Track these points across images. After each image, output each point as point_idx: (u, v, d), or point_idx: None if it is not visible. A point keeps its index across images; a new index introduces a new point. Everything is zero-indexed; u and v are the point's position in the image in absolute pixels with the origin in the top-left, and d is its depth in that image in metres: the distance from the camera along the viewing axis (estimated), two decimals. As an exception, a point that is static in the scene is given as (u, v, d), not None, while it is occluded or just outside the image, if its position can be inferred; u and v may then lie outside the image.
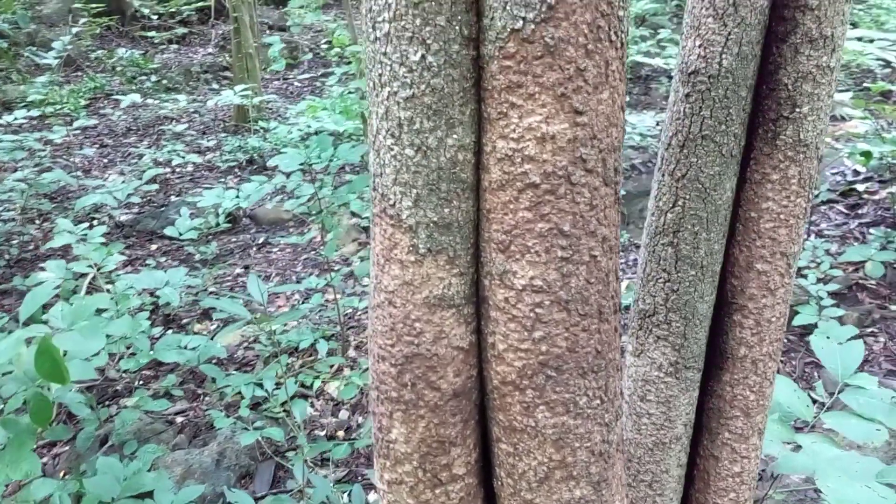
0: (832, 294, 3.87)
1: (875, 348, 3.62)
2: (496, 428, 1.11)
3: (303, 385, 4.00)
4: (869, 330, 3.72)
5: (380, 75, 0.95)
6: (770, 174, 1.41)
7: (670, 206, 1.46)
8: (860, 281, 4.03)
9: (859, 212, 4.62)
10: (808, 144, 1.38)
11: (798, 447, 2.05)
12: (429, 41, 0.91)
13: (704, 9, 1.35)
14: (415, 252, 1.00)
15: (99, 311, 3.57)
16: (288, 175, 3.26)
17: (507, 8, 0.89)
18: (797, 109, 1.36)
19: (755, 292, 1.47)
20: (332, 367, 4.14)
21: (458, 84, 0.94)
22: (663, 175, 1.47)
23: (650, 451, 1.59)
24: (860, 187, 4.88)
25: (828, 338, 2.26)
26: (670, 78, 7.49)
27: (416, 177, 0.97)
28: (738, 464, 1.57)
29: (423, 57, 0.92)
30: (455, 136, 0.96)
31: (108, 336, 2.88)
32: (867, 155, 4.01)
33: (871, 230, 4.36)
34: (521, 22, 0.89)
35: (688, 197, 1.43)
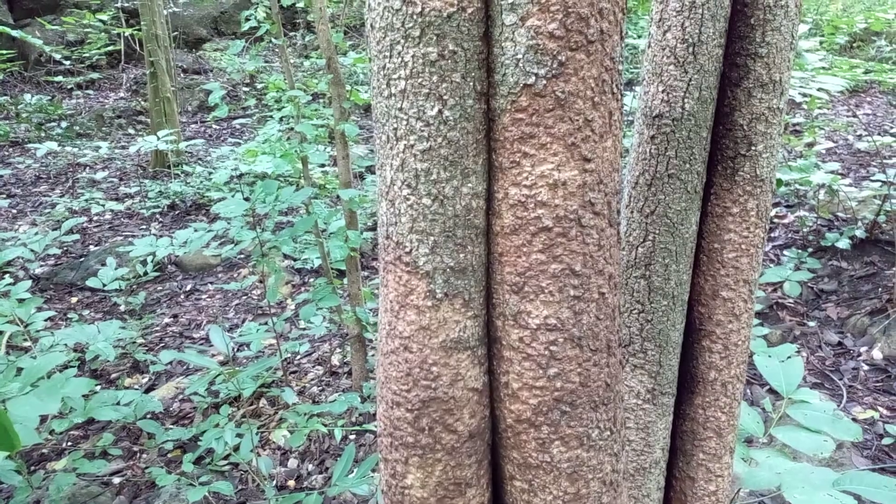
0: (757, 314, 4.11)
1: (799, 363, 3.85)
2: (509, 466, 1.13)
3: (240, 436, 3.88)
4: (792, 346, 3.96)
5: (395, 129, 0.99)
6: (731, 207, 1.51)
7: (641, 240, 1.54)
8: (780, 300, 4.30)
9: (772, 235, 4.94)
10: (763, 179, 1.49)
11: (752, 461, 2.16)
12: (445, 96, 0.95)
13: (665, 57, 1.45)
14: (432, 297, 1.03)
15: (20, 371, 3.37)
16: (229, 220, 3.20)
17: (520, 65, 0.95)
18: (753, 147, 1.47)
19: (721, 318, 1.56)
20: (276, 414, 4.04)
21: (472, 136, 0.99)
22: (632, 212, 1.55)
23: (631, 477, 1.64)
24: (771, 213, 5.23)
25: (770, 356, 2.41)
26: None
27: (432, 224, 1.00)
28: (713, 482, 1.65)
29: (439, 112, 0.96)
30: (470, 184, 1.00)
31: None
32: (778, 183, 4.31)
33: (785, 252, 4.66)
34: (534, 78, 0.95)
35: (657, 232, 1.52)
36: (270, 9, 3.35)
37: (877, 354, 3.76)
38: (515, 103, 0.97)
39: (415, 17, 0.93)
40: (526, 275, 1.02)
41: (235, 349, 4.80)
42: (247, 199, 3.03)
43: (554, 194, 0.98)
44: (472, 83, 0.96)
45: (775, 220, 5.09)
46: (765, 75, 1.43)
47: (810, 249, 4.62)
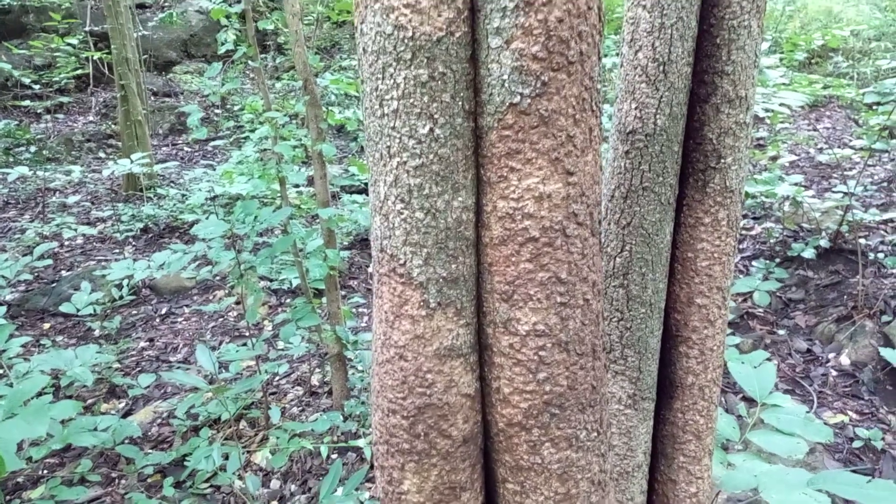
0: (728, 323, 4.21)
1: (770, 370, 3.95)
2: (502, 469, 1.17)
3: (227, 457, 3.86)
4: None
5: (388, 147, 1.03)
6: (702, 218, 1.59)
7: (618, 251, 1.60)
8: (750, 310, 4.41)
9: (741, 247, 5.07)
10: (733, 190, 1.57)
11: (730, 465, 2.23)
12: (436, 116, 1.01)
13: (637, 76, 1.53)
14: (426, 307, 1.07)
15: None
16: (207, 242, 3.21)
17: (506, 85, 1.01)
18: (722, 160, 1.55)
19: (697, 324, 1.63)
20: (256, 436, 4.03)
21: (462, 152, 1.04)
22: (609, 224, 1.62)
23: (616, 482, 1.69)
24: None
25: (743, 363, 2.48)
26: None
27: (425, 237, 1.05)
28: (694, 484, 1.71)
29: (431, 130, 1.01)
30: (460, 198, 1.05)
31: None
32: (746, 195, 4.44)
33: (754, 263, 4.79)
34: (519, 97, 1.00)
35: (634, 242, 1.58)
36: (242, 32, 3.39)
37: (844, 360, 3.87)
38: (502, 121, 1.02)
39: (406, 41, 0.98)
40: (515, 283, 1.07)
41: (217, 368, 4.78)
42: (227, 219, 3.04)
43: (540, 206, 1.04)
44: (460, 103, 1.02)
45: (743, 232, 5.23)
46: (731, 91, 1.51)
47: (777, 260, 4.75)
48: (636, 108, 1.53)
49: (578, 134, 1.03)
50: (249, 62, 3.12)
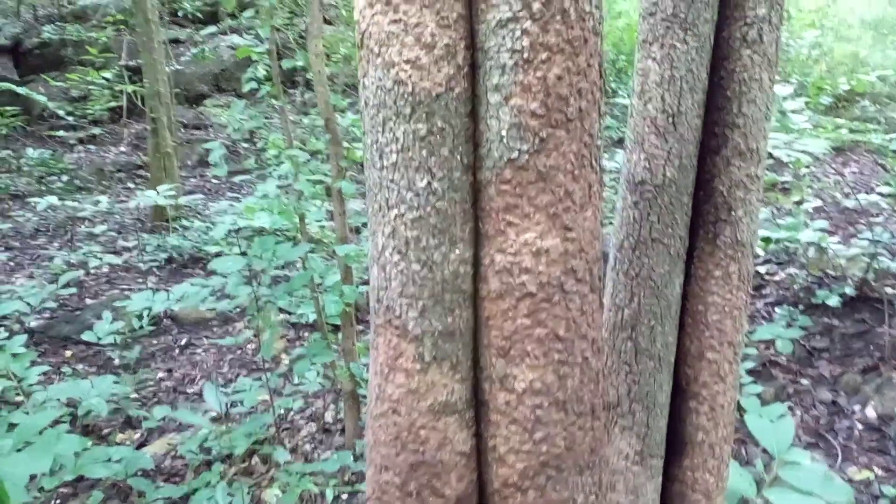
0: (749, 371, 4.12)
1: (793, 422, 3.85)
2: (496, 528, 1.14)
3: (231, 495, 3.83)
4: (786, 405, 3.96)
5: (387, 199, 1.03)
6: (713, 271, 1.56)
7: (627, 302, 1.58)
8: (772, 357, 4.31)
9: (763, 292, 4.99)
10: (744, 244, 1.54)
11: (746, 524, 2.15)
12: (434, 169, 1.00)
13: (647, 126, 1.52)
14: (420, 360, 1.06)
15: (12, 426, 3.36)
16: (225, 276, 3.24)
17: (504, 141, 1.00)
18: (733, 213, 1.52)
19: (707, 380, 1.59)
20: (268, 472, 4.00)
21: (460, 206, 1.03)
22: (617, 274, 1.59)
23: (622, 539, 1.64)
24: (762, 269, 5.29)
25: (761, 416, 2.42)
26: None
27: (422, 289, 1.04)
28: (704, 545, 1.65)
29: (429, 183, 1.01)
30: (457, 251, 1.04)
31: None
32: (767, 241, 4.38)
33: (776, 309, 4.70)
34: (517, 153, 1.00)
35: (642, 294, 1.55)
36: (271, 69, 3.45)
37: (871, 413, 3.76)
38: (500, 176, 1.02)
39: (406, 96, 0.99)
40: (512, 339, 1.05)
41: (228, 405, 4.78)
42: (244, 254, 3.07)
43: (537, 261, 1.03)
44: (459, 157, 1.02)
45: (766, 277, 5.14)
46: (742, 144, 1.50)
47: (801, 307, 4.66)
48: (645, 159, 1.52)
49: (577, 190, 1.02)
50: (274, 101, 3.18)
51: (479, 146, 1.03)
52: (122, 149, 9.25)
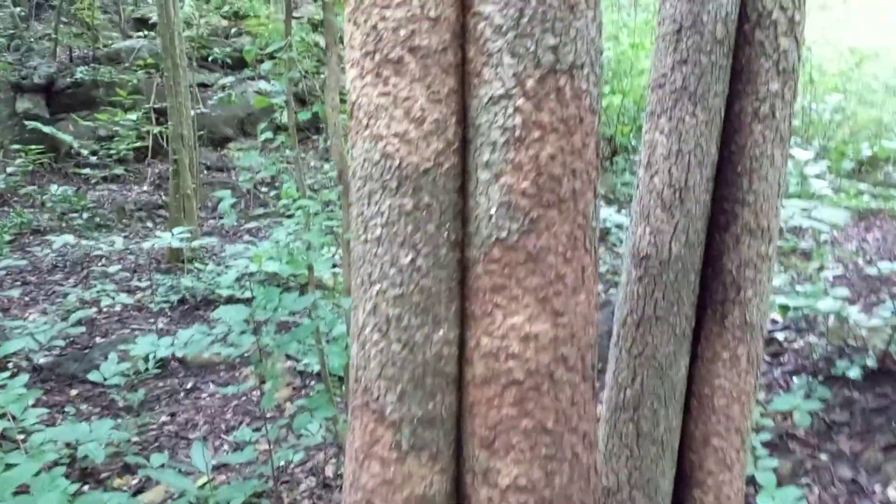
0: (765, 444, 3.96)
1: (811, 499, 3.68)
2: None
3: (231, 548, 3.72)
4: (803, 481, 3.80)
5: (369, 274, 0.99)
6: (721, 353, 1.48)
7: (629, 382, 1.50)
8: (790, 430, 4.16)
9: (782, 360, 4.84)
10: (754, 325, 1.47)
11: None
12: (419, 246, 0.96)
13: (653, 200, 1.47)
14: (398, 449, 0.99)
15: (10, 467, 3.31)
16: (230, 326, 3.20)
17: (493, 219, 0.96)
18: (742, 293, 1.46)
19: (713, 468, 1.50)
20: (263, 527, 3.89)
21: (445, 284, 0.98)
22: (620, 351, 1.53)
23: None
24: (780, 336, 5.15)
25: (773, 498, 2.30)
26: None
27: (402, 371, 0.98)
28: None
29: (412, 260, 0.96)
30: (441, 331, 0.99)
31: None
32: (785, 308, 4.27)
33: (795, 378, 4.55)
34: (506, 232, 0.95)
35: (646, 374, 1.48)
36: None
37: (892, 494, 3.58)
38: (488, 255, 0.97)
39: (392, 170, 0.95)
40: (496, 429, 0.98)
41: (230, 450, 4.69)
42: (250, 301, 3.03)
43: (525, 347, 0.97)
44: (446, 233, 0.97)
45: (785, 345, 5.00)
46: (752, 222, 1.44)
47: (821, 377, 4.51)
48: (650, 234, 1.46)
49: (569, 273, 0.97)
50: (288, 151, 3.18)
51: (468, 223, 0.99)
52: (145, 188, 9.37)
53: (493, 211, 0.95)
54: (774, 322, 5.48)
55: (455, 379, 1.02)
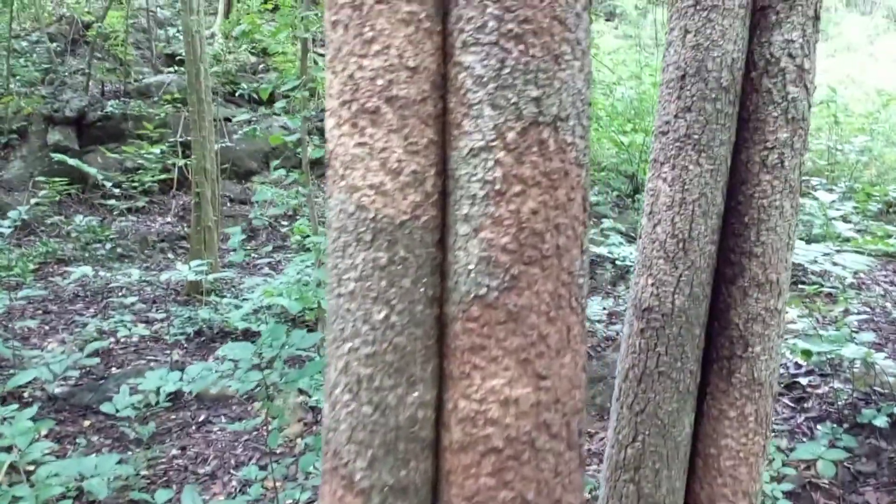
0: (787, 494, 3.81)
1: (836, 556, 3.51)
2: None
3: (234, 590, 3.64)
4: (828, 536, 3.63)
5: (342, 330, 0.94)
6: (727, 411, 1.41)
7: (630, 440, 1.43)
8: (813, 480, 3.99)
9: (805, 406, 4.68)
10: (762, 383, 1.39)
11: None
12: (393, 301, 0.91)
13: (655, 250, 1.41)
14: (368, 518, 0.94)
15: (16, 500, 3.29)
16: (236, 363, 3.17)
17: (472, 275, 0.91)
18: (750, 349, 1.39)
19: (719, 533, 1.42)
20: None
21: (421, 342, 0.93)
22: (622, 407, 1.46)
23: None
24: (803, 381, 4.99)
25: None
26: (614, 263, 7.75)
27: (372, 436, 0.93)
28: None
29: (386, 317, 0.91)
30: (416, 393, 0.94)
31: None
32: (807, 353, 4.13)
33: (819, 426, 4.39)
34: (486, 289, 0.90)
35: (647, 433, 1.41)
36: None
37: (923, 554, 3.41)
38: (467, 313, 0.92)
39: (367, 221, 0.91)
40: (473, 500, 0.92)
41: (238, 487, 4.64)
42: (256, 337, 3.00)
43: (505, 412, 0.91)
44: (423, 289, 0.93)
45: (808, 390, 4.84)
46: (761, 275, 1.37)
47: (846, 425, 4.34)
48: (653, 285, 1.40)
49: (553, 333, 0.92)
50: (300, 189, 3.18)
51: (447, 279, 0.94)
52: (168, 219, 9.48)
53: (472, 266, 0.91)
54: (798, 366, 5.31)
55: (430, 444, 0.97)
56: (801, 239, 6.42)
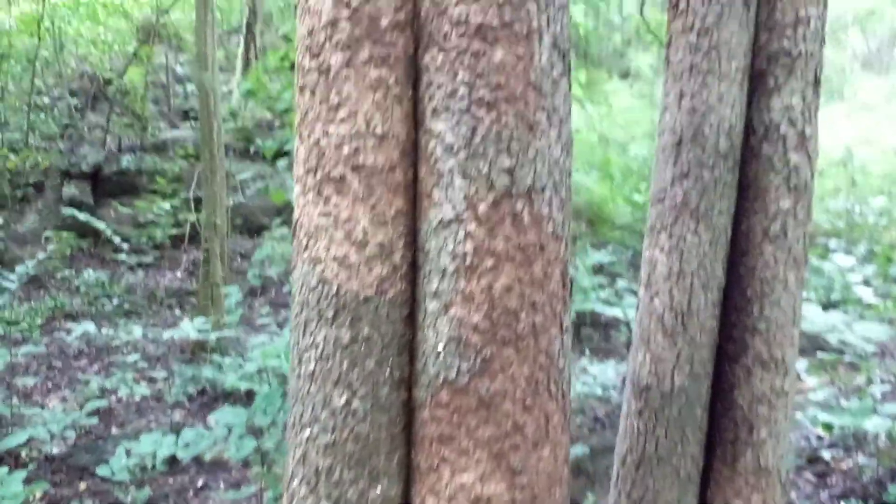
0: (810, 578, 3.59)
1: None
2: None
3: None
4: None
5: (301, 415, 0.87)
6: (732, 500, 1.30)
7: (627, 529, 1.32)
8: (838, 562, 3.76)
9: (828, 482, 4.46)
10: (770, 470, 1.29)
11: None
12: (355, 385, 0.84)
13: (653, 324, 1.33)
14: None
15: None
16: (230, 430, 3.07)
17: (441, 357, 0.83)
18: (755, 433, 1.29)
19: None
20: None
21: (386, 430, 0.85)
22: (619, 494, 1.35)
23: None
24: (826, 454, 4.77)
25: None
26: (628, 326, 7.60)
27: (331, 535, 0.84)
28: None
29: (347, 402, 0.84)
30: (379, 488, 0.85)
31: None
32: (828, 427, 3.96)
33: (843, 503, 4.17)
34: (455, 373, 0.83)
35: (646, 522, 1.30)
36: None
37: None
38: (435, 398, 0.84)
39: (330, 297, 0.84)
40: None
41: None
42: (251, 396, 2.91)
43: (476, 511, 0.82)
44: (388, 370, 0.85)
45: (832, 465, 4.63)
46: (765, 353, 1.28)
47: (871, 502, 4.13)
48: (651, 361, 1.32)
49: (530, 423, 0.83)
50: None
51: (416, 360, 0.87)
52: (178, 274, 9.48)
53: (441, 347, 0.83)
54: (820, 439, 5.10)
55: (397, 542, 0.88)
56: (820, 304, 6.26)
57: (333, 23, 0.82)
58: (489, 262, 0.81)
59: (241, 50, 12.05)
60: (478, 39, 0.78)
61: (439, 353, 0.83)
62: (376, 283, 0.84)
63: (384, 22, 0.82)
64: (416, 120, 0.87)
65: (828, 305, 5.62)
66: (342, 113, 0.84)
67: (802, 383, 6.03)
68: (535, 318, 0.83)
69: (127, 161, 9.84)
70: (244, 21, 11.94)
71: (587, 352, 6.23)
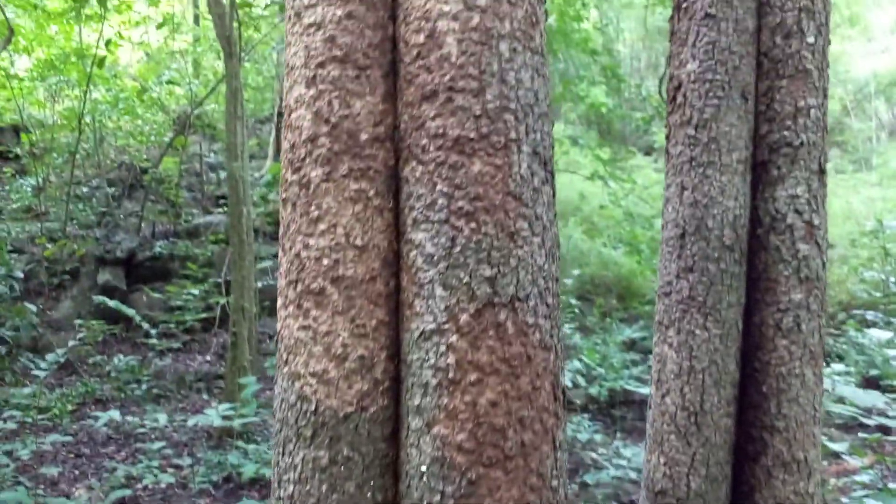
0: None
1: None
2: None
3: None
4: None
5: (279, 541, 0.82)
6: None
7: None
8: None
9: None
10: (799, 585, 1.19)
11: None
12: (335, 513, 0.80)
13: (666, 424, 1.27)
14: None
15: None
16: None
17: (425, 478, 0.79)
18: (781, 542, 1.20)
19: None
20: None
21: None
22: None
23: None
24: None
25: None
26: (664, 404, 7.35)
27: None
28: None
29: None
30: None
31: None
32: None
33: None
34: (440, 496, 0.78)
35: None
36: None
37: None
38: (420, 524, 0.79)
39: (308, 415, 0.81)
40: None
41: None
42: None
43: None
44: (370, 493, 0.81)
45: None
46: (786, 453, 1.21)
47: None
48: (665, 464, 1.25)
49: (520, 550, 0.78)
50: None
51: (400, 480, 0.82)
52: (208, 358, 9.51)
53: (424, 468, 0.79)
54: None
55: None
56: (861, 377, 6.01)
57: (313, 139, 0.82)
58: (473, 376, 0.78)
59: (272, 137, 12.45)
60: (455, 152, 0.78)
61: (422, 474, 0.79)
62: (356, 400, 0.81)
63: (363, 137, 0.82)
64: (397, 231, 0.86)
65: (868, 382, 5.40)
66: (322, 226, 0.83)
67: (846, 464, 5.73)
68: (523, 436, 0.78)
69: (160, 247, 10.07)
70: (276, 110, 12.37)
71: (619, 433, 6.04)
